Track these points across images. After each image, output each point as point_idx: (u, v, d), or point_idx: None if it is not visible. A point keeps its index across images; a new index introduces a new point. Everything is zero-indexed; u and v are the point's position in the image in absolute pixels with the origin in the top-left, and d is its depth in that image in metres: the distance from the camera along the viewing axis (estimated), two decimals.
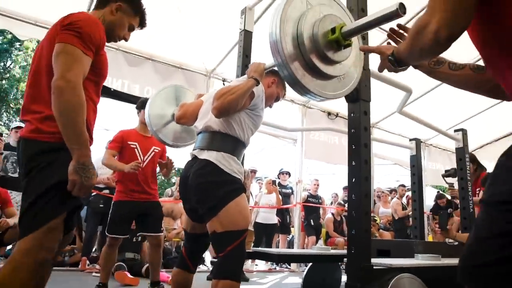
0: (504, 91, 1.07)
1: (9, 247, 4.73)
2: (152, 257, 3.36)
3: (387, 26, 1.47)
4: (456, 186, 3.93)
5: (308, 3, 1.70)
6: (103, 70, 1.66)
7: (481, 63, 1.22)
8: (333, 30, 1.63)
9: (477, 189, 3.98)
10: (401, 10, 1.36)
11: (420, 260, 2.50)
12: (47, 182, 1.43)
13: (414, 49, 1.08)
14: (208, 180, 1.84)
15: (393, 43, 1.40)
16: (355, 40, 1.82)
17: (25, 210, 1.42)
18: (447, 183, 4.01)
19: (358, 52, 1.94)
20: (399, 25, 1.38)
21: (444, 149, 8.67)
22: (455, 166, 4.02)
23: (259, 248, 3.03)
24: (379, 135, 7.16)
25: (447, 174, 4.05)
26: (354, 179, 2.02)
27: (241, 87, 1.86)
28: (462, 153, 3.58)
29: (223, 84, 6.18)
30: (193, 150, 2.01)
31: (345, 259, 2.21)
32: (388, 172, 9.75)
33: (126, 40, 1.85)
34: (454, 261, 2.51)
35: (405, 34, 1.37)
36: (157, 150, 3.43)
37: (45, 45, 1.57)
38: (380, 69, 1.40)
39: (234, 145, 1.94)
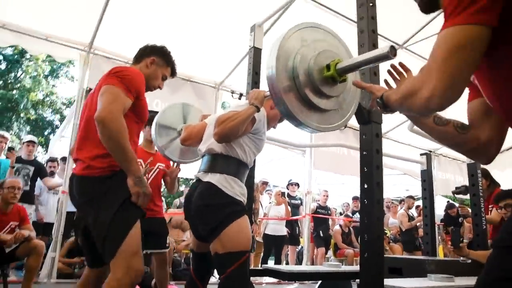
0: (484, 153, 1.14)
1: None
2: (158, 275, 3.33)
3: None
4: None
5: (303, 40, 1.72)
6: (144, 113, 1.90)
7: (465, 121, 1.23)
8: (328, 67, 1.66)
9: (489, 206, 3.92)
10: (391, 53, 1.40)
11: (433, 281, 2.46)
12: (113, 205, 1.65)
13: (404, 105, 1.10)
14: (210, 203, 1.89)
15: (391, 80, 1.40)
16: (351, 74, 1.83)
17: (104, 237, 1.64)
18: (457, 200, 3.97)
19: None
20: (400, 64, 1.38)
21: (454, 159, 8.59)
22: (465, 175, 3.98)
23: (269, 265, 3.02)
24: (389, 146, 7.11)
25: (458, 191, 4.00)
26: (366, 202, 2.00)
27: (241, 114, 1.91)
28: (474, 168, 3.54)
29: (232, 96, 6.20)
30: (198, 172, 2.06)
31: (357, 280, 2.20)
32: (397, 182, 9.67)
33: (160, 88, 2.12)
34: (468, 281, 2.49)
35: (404, 74, 1.36)
36: (161, 167, 3.42)
37: (95, 93, 1.81)
38: (371, 106, 1.42)
39: (236, 167, 1.98)
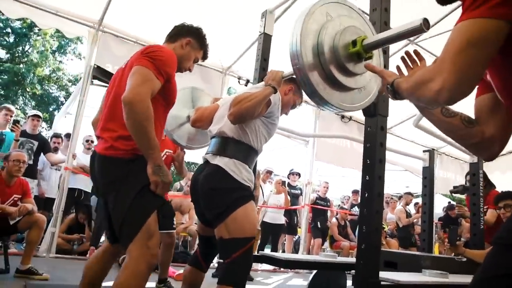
0: (487, 149, 1.14)
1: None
2: (163, 256, 3.36)
3: None
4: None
5: (328, 15, 1.68)
6: (172, 97, 1.87)
7: (471, 115, 1.22)
8: (354, 43, 1.62)
9: (485, 207, 3.91)
10: (425, 25, 1.35)
11: (428, 276, 2.48)
12: (132, 191, 1.64)
13: (413, 95, 1.10)
14: (217, 186, 1.87)
15: (403, 67, 1.38)
16: (376, 52, 1.81)
17: (123, 220, 1.63)
18: (454, 199, 3.96)
19: (378, 64, 1.92)
20: (415, 51, 1.36)
21: (456, 158, 8.59)
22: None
23: (267, 252, 3.04)
24: (392, 141, 7.10)
25: (455, 190, 3.99)
26: (366, 194, 2.01)
27: (258, 94, 1.87)
28: (476, 168, 3.54)
29: (238, 82, 6.19)
30: (206, 154, 2.03)
31: (352, 271, 2.22)
32: (397, 178, 9.68)
33: (190, 71, 2.07)
34: (462, 279, 2.51)
35: (417, 61, 1.34)
36: (169, 153, 3.44)
37: (126, 71, 1.77)
38: (381, 92, 1.40)
39: (246, 153, 1.96)
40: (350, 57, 1.63)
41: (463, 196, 5.39)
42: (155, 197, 1.69)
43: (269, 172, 7.21)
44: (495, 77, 1.08)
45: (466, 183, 4.03)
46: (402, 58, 1.39)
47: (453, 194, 4.06)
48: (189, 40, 1.98)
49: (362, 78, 1.73)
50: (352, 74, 1.66)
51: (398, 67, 1.40)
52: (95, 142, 6.25)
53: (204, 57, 2.11)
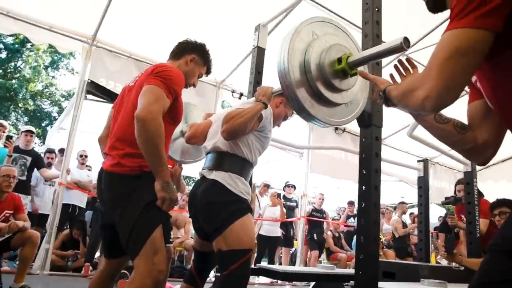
0: (481, 154, 1.16)
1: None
2: None
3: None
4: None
5: (314, 33, 1.74)
6: (179, 115, 1.92)
7: (464, 120, 1.24)
8: (339, 60, 1.68)
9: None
10: (405, 44, 1.40)
11: (427, 286, 2.48)
12: (138, 206, 1.67)
13: (402, 103, 1.12)
14: (215, 200, 1.89)
15: (396, 75, 1.40)
16: (361, 69, 1.85)
17: (129, 234, 1.66)
18: (447, 210, 3.93)
19: (363, 79, 1.98)
20: (407, 59, 1.38)
21: (449, 168, 8.64)
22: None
23: (264, 265, 3.03)
24: (386, 152, 7.13)
25: (447, 201, 3.95)
26: (363, 205, 2.02)
27: (249, 110, 1.92)
28: (470, 177, 3.56)
29: (232, 95, 6.21)
30: (202, 169, 2.06)
31: (351, 281, 2.21)
32: (392, 188, 9.69)
33: (194, 86, 2.13)
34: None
35: (410, 69, 1.37)
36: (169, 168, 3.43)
37: (134, 90, 1.83)
38: (373, 99, 1.42)
39: (241, 166, 1.98)
40: (336, 74, 1.69)
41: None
42: (160, 213, 1.72)
43: (267, 186, 7.22)
44: (484, 85, 1.10)
45: (455, 193, 4.03)
46: (395, 66, 1.41)
47: (445, 205, 4.03)
48: (194, 57, 2.03)
49: (349, 93, 1.79)
50: (338, 90, 1.72)
51: (391, 75, 1.42)
52: (89, 157, 6.21)
53: (208, 72, 2.16)
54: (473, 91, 1.22)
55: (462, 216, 4.04)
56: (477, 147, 1.20)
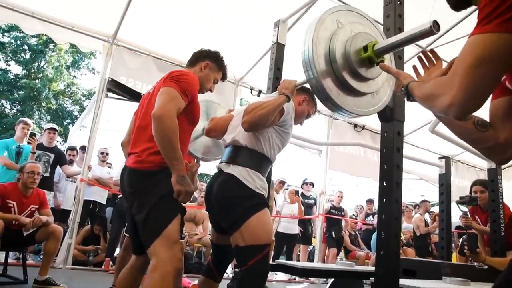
0: (501, 153, 1.14)
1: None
2: None
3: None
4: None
5: (339, 22, 1.71)
6: (196, 115, 2.03)
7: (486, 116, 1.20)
8: (365, 48, 1.65)
9: (489, 218, 3.79)
10: (434, 28, 1.36)
11: (449, 284, 2.44)
12: (155, 197, 1.78)
13: (425, 105, 1.12)
14: (231, 195, 1.88)
15: (420, 67, 1.39)
16: (387, 57, 1.82)
17: (144, 221, 1.77)
18: (461, 210, 3.77)
19: (391, 65, 1.94)
20: (431, 51, 1.36)
21: (472, 166, 8.47)
22: None
23: (283, 261, 3.02)
24: (407, 149, 7.02)
25: (462, 201, 3.76)
26: (384, 200, 1.99)
27: (272, 102, 1.89)
28: (494, 174, 3.48)
29: (251, 92, 6.22)
30: (220, 163, 2.05)
31: (371, 278, 2.19)
32: (412, 187, 9.55)
33: (211, 91, 2.24)
34: (484, 287, 2.45)
35: (434, 61, 1.35)
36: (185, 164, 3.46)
37: (153, 94, 1.95)
38: (395, 91, 1.41)
39: (260, 162, 1.97)
40: (362, 63, 1.65)
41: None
42: (176, 204, 1.82)
43: (282, 183, 7.18)
44: None
45: (471, 193, 3.89)
46: (419, 58, 1.40)
47: (459, 205, 3.84)
48: (207, 63, 2.14)
49: (375, 82, 1.75)
50: (365, 79, 1.68)
51: (414, 67, 1.40)
52: (110, 155, 6.32)
53: (224, 77, 2.27)
54: (498, 88, 1.18)
55: (477, 217, 3.93)
56: (497, 146, 1.16)
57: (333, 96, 1.63)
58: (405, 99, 1.30)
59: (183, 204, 1.88)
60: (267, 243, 1.86)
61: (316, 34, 1.61)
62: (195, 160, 3.28)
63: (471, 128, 1.19)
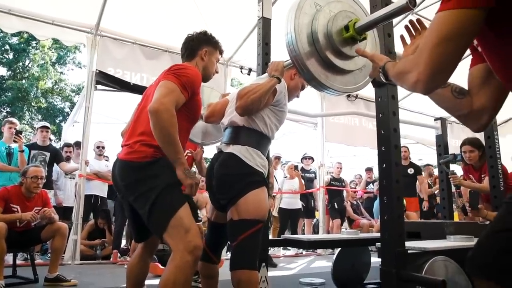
0: (476, 120, 1.17)
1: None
2: None
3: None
4: (457, 173, 3.77)
5: (317, 4, 1.72)
6: (197, 111, 2.01)
7: (464, 85, 1.22)
8: (346, 28, 1.67)
9: (482, 175, 3.83)
10: (411, 3, 1.41)
11: (453, 241, 2.47)
12: (155, 189, 1.73)
13: (398, 82, 1.19)
14: (231, 172, 1.91)
15: (406, 36, 1.42)
16: (370, 33, 1.84)
17: (148, 217, 1.73)
18: (446, 170, 3.75)
19: (374, 41, 1.97)
20: (417, 20, 1.39)
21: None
22: None
23: (289, 235, 3.05)
24: (401, 114, 7.03)
25: (446, 161, 3.75)
26: (384, 165, 2.00)
27: (263, 86, 1.90)
28: (490, 130, 3.49)
29: (241, 71, 6.17)
30: (220, 144, 2.07)
31: (377, 244, 2.22)
32: (410, 151, 9.60)
33: (217, 72, 2.22)
34: None
35: (420, 29, 1.39)
36: (190, 153, 3.47)
37: (154, 87, 1.90)
38: (371, 75, 1.43)
39: (258, 140, 1.99)
40: (345, 42, 1.68)
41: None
42: (180, 194, 1.77)
43: (277, 158, 7.17)
44: (491, 57, 1.08)
45: (461, 153, 3.88)
46: (406, 27, 1.42)
47: (444, 165, 3.77)
48: (206, 50, 2.09)
49: (361, 58, 1.75)
50: (349, 57, 1.72)
51: (402, 36, 1.44)
52: (106, 148, 6.26)
53: (221, 53, 2.21)
54: (475, 55, 1.19)
55: (471, 176, 3.96)
56: (472, 113, 1.18)
57: (320, 77, 1.67)
58: (384, 80, 1.32)
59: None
60: (259, 219, 1.86)
61: (297, 22, 1.65)
62: (198, 147, 3.31)
63: (448, 96, 1.21)
